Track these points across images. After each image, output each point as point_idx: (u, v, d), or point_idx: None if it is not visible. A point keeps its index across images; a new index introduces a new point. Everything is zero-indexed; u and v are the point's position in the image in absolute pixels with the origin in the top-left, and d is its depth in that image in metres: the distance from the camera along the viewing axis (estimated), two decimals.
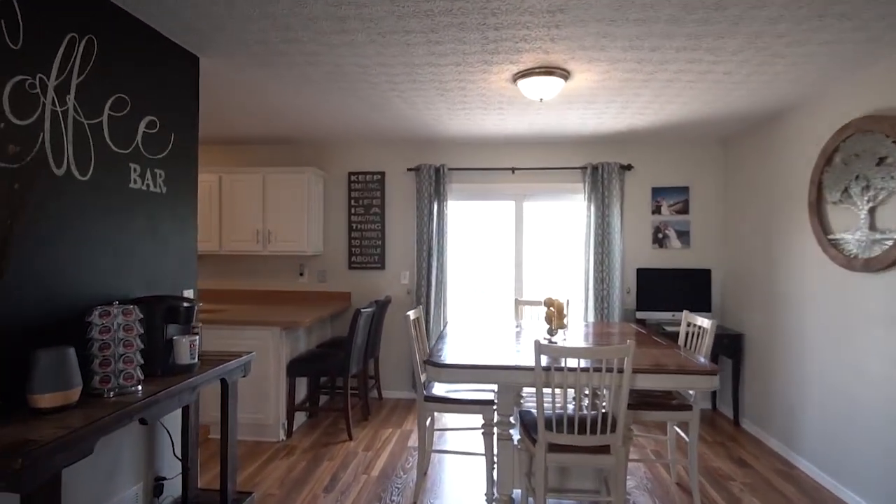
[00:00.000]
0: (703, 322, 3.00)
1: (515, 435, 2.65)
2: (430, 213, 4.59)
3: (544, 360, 2.27)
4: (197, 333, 2.25)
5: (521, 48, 2.45)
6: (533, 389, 3.08)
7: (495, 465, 2.72)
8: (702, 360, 2.55)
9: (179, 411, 2.40)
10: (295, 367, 3.76)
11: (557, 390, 2.36)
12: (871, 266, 2.68)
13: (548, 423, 2.24)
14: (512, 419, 2.60)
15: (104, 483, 2.07)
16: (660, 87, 3.02)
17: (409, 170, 4.74)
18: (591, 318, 4.48)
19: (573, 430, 2.20)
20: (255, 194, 4.51)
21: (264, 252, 4.51)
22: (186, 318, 2.11)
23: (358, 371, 4.01)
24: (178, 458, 2.33)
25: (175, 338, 2.05)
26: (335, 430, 3.94)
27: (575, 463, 2.28)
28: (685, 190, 4.58)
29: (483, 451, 2.78)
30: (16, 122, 1.64)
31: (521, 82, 2.83)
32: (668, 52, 2.49)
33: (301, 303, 4.78)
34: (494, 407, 2.70)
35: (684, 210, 4.58)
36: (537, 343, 2.18)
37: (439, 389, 2.96)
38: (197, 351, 2.10)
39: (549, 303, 2.95)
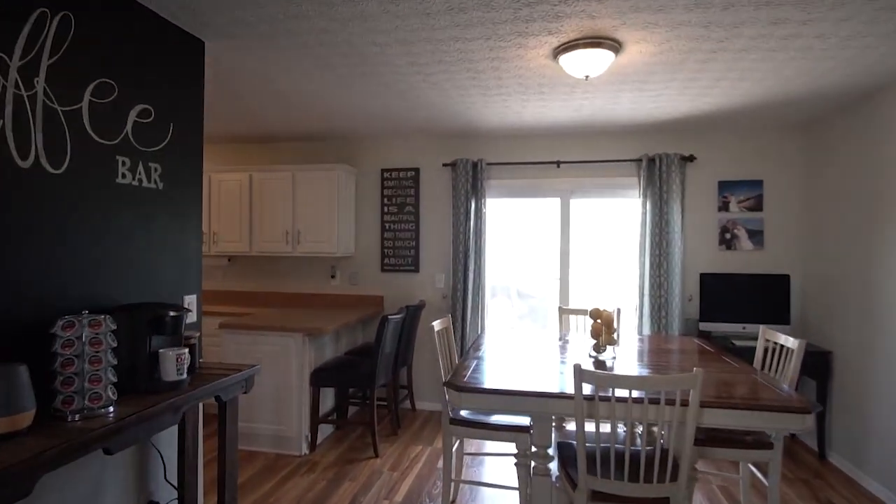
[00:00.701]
0: (789, 341, 2.49)
1: (554, 469, 2.26)
2: (467, 211, 4.24)
3: (587, 389, 1.88)
4: (191, 345, 2.03)
5: (560, 12, 2.06)
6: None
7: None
8: (786, 388, 2.07)
9: (175, 429, 2.18)
10: (319, 377, 3.52)
11: (604, 424, 1.96)
12: None
13: (590, 464, 1.84)
14: (550, 451, 2.21)
15: None
16: (731, 59, 2.53)
17: (445, 165, 4.42)
18: (646, 331, 3.99)
19: (622, 474, 1.79)
20: (284, 193, 4.33)
21: (294, 253, 4.32)
22: (174, 329, 1.87)
23: (386, 381, 3.72)
24: (169, 482, 2.10)
25: (161, 351, 1.82)
26: (362, 444, 3.67)
27: None
28: (758, 184, 3.99)
29: (517, 485, 2.41)
30: None
31: (563, 57, 2.43)
32: (744, 10, 2.03)
33: (331, 306, 4.55)
34: (530, 433, 2.33)
35: (757, 206, 3.99)
36: (577, 368, 1.79)
37: (467, 410, 2.61)
38: (186, 365, 1.85)
39: (596, 314, 2.55)
